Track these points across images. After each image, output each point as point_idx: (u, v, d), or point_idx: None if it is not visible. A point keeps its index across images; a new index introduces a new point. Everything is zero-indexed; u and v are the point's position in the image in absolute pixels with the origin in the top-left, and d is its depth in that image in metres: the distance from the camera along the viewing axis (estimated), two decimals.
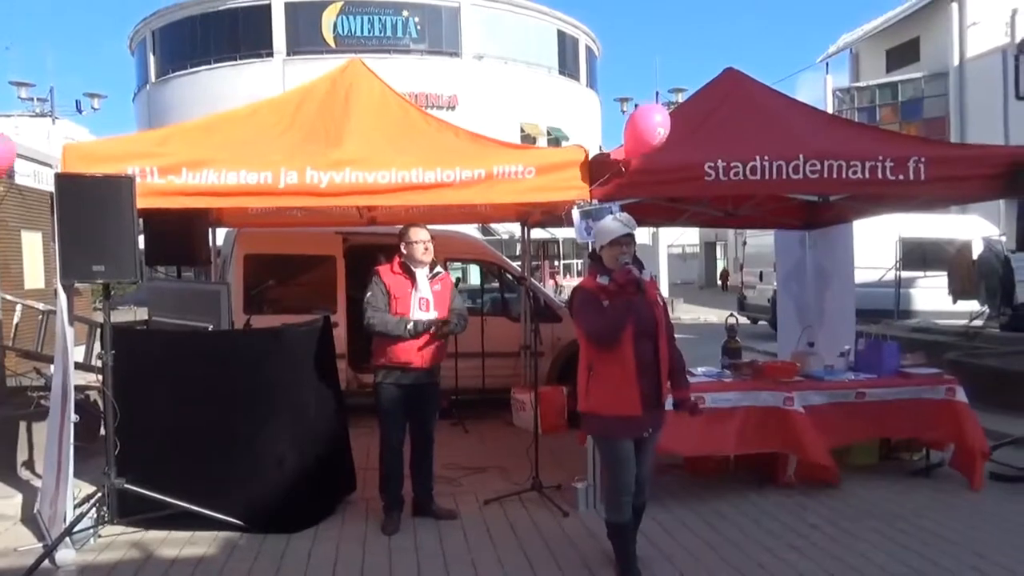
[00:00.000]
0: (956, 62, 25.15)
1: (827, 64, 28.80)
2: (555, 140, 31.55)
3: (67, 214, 4.03)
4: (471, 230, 17.51)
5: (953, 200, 6.82)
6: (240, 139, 4.77)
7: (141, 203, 4.23)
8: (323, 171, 4.50)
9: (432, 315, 4.62)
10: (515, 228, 24.29)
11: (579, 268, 34.14)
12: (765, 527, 4.57)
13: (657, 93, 23.72)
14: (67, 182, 4.05)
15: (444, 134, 5.32)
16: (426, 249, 4.62)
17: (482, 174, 4.66)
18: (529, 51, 33.34)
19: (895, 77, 27.53)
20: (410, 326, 4.49)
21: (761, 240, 14.86)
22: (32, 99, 20.99)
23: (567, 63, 35.61)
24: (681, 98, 24.45)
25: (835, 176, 4.92)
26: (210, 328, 4.66)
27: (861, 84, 28.49)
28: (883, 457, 5.85)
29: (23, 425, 5.51)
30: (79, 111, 22.19)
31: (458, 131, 5.42)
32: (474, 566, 4.08)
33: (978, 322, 11.22)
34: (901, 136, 6.78)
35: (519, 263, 9.02)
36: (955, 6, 25.03)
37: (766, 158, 4.89)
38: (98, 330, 5.86)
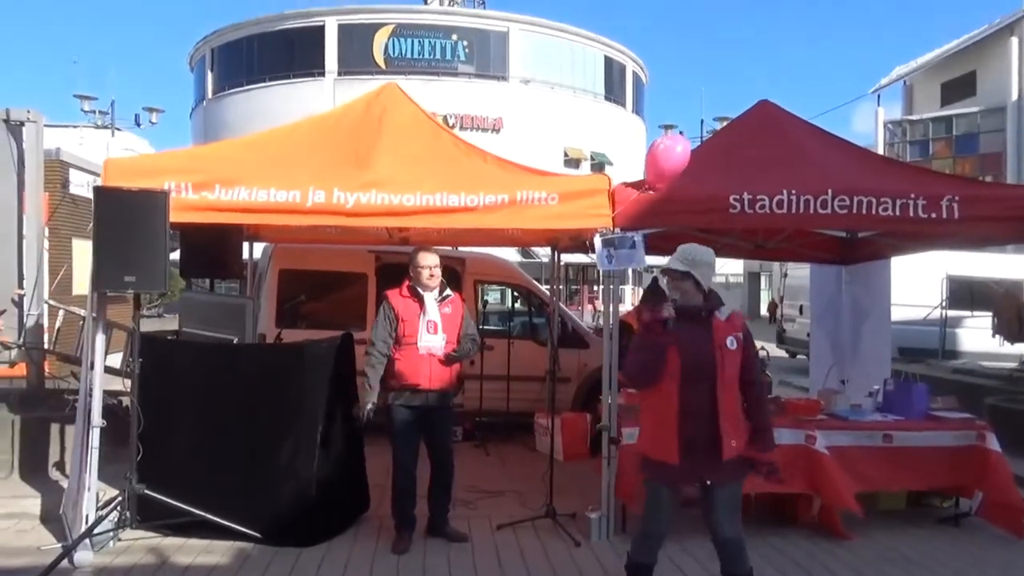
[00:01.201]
0: (1015, 96, 24.55)
1: (879, 96, 28.37)
2: (599, 165, 31.58)
3: (104, 225, 4.19)
4: (511, 252, 17.54)
5: (989, 240, 6.65)
6: (273, 157, 4.90)
7: (175, 217, 4.38)
8: (350, 192, 4.60)
9: (440, 338, 4.66)
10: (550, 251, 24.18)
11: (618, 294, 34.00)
12: (779, 568, 4.47)
13: (702, 121, 23.63)
14: (105, 194, 4.22)
15: (472, 159, 5.40)
16: (431, 275, 4.67)
17: (505, 199, 4.71)
18: (576, 77, 33.57)
19: (950, 111, 26.96)
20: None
21: (802, 272, 14.61)
22: (95, 112, 21.89)
23: (613, 89, 35.72)
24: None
25: (864, 212, 4.84)
26: (235, 341, 4.76)
27: (914, 117, 27.96)
28: (911, 503, 5.66)
29: (56, 427, 5.70)
30: (138, 124, 23.07)
31: (486, 156, 5.49)
32: None
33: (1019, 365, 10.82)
34: (935, 174, 6.63)
35: (549, 287, 9.03)
36: (1015, 40, 24.49)
37: (793, 192, 4.84)
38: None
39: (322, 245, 7.48)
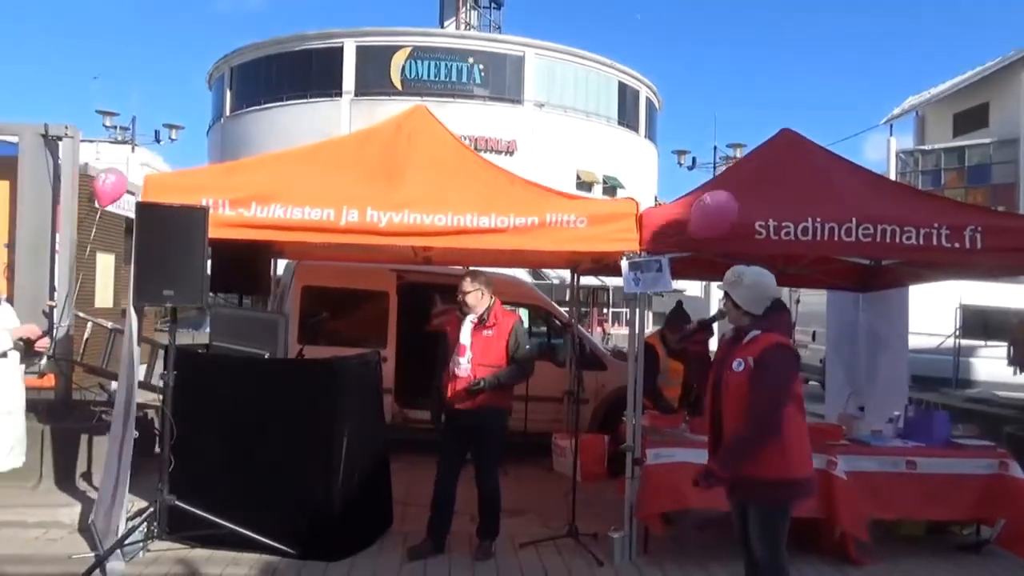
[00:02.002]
0: None
1: (891, 126, 28.52)
2: (611, 188, 31.80)
3: (144, 240, 4.30)
4: (522, 274, 17.72)
5: (1011, 271, 6.69)
6: (306, 175, 5.02)
7: (212, 233, 4.49)
8: (383, 211, 4.71)
9: (466, 359, 4.82)
10: (566, 273, 24.39)
11: (627, 316, 34.01)
12: None
13: (715, 147, 23.80)
14: (147, 210, 4.33)
15: (499, 180, 5.51)
16: (464, 301, 4.84)
17: (535, 221, 4.80)
18: (589, 101, 33.92)
19: (962, 142, 27.08)
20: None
21: (814, 299, 14.63)
22: (115, 127, 22.24)
23: (627, 114, 36.05)
24: (739, 153, 24.47)
25: (888, 241, 4.91)
26: (267, 356, 4.85)
27: (926, 147, 28.09)
28: (930, 530, 5.66)
29: (84, 437, 5.78)
30: (157, 140, 23.41)
31: (513, 178, 5.60)
32: None
33: None
34: (959, 204, 6.71)
35: (567, 309, 9.11)
36: None
37: (818, 219, 4.91)
38: (160, 351, 6.14)
39: (344, 263, 7.60)
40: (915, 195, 5.79)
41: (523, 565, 4.75)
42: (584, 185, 31.22)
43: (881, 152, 30.81)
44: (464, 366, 4.81)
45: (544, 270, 22.82)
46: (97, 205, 6.46)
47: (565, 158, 30.65)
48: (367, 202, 4.72)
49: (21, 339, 3.69)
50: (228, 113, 34.71)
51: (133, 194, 5.53)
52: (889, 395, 7.01)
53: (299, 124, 30.61)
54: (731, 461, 3.48)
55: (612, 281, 25.12)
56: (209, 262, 5.71)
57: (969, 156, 26.71)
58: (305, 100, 31.87)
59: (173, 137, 23.49)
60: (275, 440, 4.76)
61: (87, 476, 5.79)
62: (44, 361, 4.22)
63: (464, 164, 5.59)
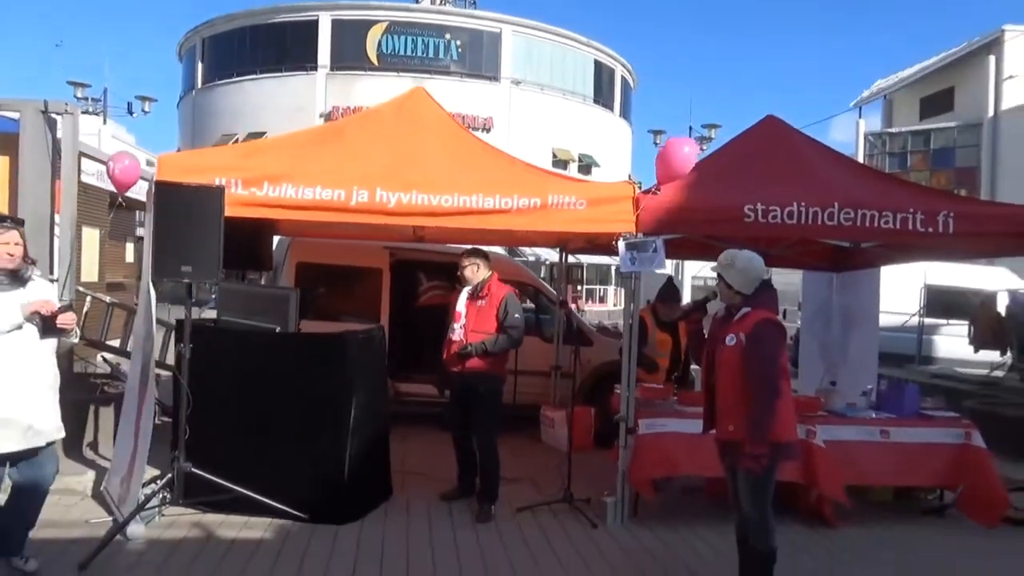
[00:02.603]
0: (990, 114, 25.34)
1: (860, 109, 29.07)
2: (586, 167, 32.04)
3: (162, 218, 4.43)
4: (498, 251, 17.98)
5: (979, 254, 7.08)
6: (315, 157, 5.16)
7: (226, 212, 4.63)
8: (392, 192, 4.88)
9: (459, 326, 5.33)
10: (541, 251, 24.51)
11: (601, 294, 34.43)
12: (783, 548, 4.80)
13: (691, 127, 24.09)
14: (165, 189, 4.46)
15: (500, 162, 5.71)
16: (462, 274, 5.40)
17: (538, 203, 5.02)
18: (566, 79, 33.99)
19: (928, 125, 27.73)
20: None
21: (785, 278, 15.06)
22: (87, 99, 21.82)
23: (602, 93, 36.20)
24: (714, 133, 24.86)
25: (867, 225, 5.21)
26: (277, 330, 5.02)
27: (894, 130, 28.72)
28: (898, 495, 6.06)
29: (91, 409, 5.92)
30: (130, 113, 23.00)
31: (513, 160, 5.80)
32: (511, 564, 4.39)
33: (998, 372, 11.36)
34: (933, 191, 7.07)
35: (554, 286, 9.36)
36: (992, 59, 25.28)
37: (803, 204, 5.20)
38: (163, 328, 6.28)
39: (338, 240, 7.75)
40: (892, 181, 6.10)
41: (522, 527, 5.03)
42: (560, 163, 31.36)
43: (849, 134, 31.41)
44: (458, 332, 5.30)
45: (520, 248, 23.07)
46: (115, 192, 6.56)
47: (541, 136, 30.76)
48: (376, 183, 4.89)
49: (36, 314, 3.57)
50: (200, 85, 34.12)
51: (104, 163, 5.70)
52: (860, 370, 7.39)
53: (273, 98, 30.32)
54: (759, 436, 3.68)
55: (587, 259, 25.49)
56: None
57: (935, 139, 27.38)
58: (279, 74, 31.46)
59: (146, 110, 23.11)
60: (285, 410, 4.95)
61: (94, 446, 5.94)
62: (76, 340, 4.05)
63: (465, 146, 5.77)
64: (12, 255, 3.65)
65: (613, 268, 34.79)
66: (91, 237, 10.04)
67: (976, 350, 12.29)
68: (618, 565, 4.49)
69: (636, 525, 5.17)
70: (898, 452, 5.36)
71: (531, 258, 25.18)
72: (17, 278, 3.67)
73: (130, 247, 14.58)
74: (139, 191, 8.49)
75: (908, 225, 5.24)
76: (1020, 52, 24.68)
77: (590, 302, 30.99)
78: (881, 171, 9.18)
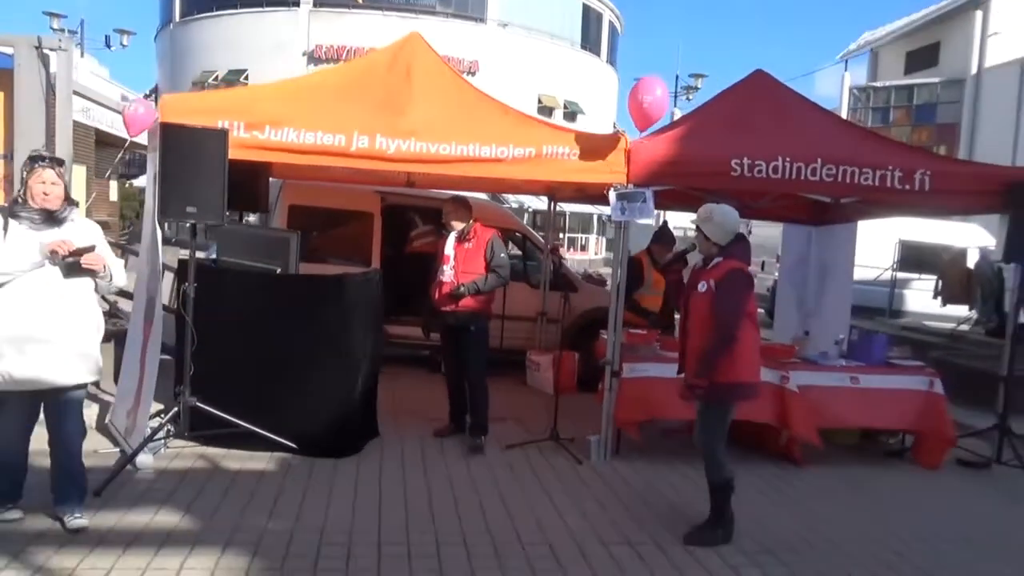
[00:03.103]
0: (974, 70, 25.49)
1: (846, 62, 29.06)
2: (571, 114, 31.83)
3: (168, 159, 4.52)
4: (482, 197, 18.01)
5: (953, 211, 7.35)
6: (316, 102, 5.24)
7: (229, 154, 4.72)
8: (391, 138, 5.00)
9: (448, 268, 5.55)
10: (524, 199, 24.51)
11: (583, 242, 34.65)
12: (754, 485, 5.17)
13: (677, 76, 24.01)
14: (170, 131, 4.53)
15: (493, 111, 5.79)
16: (447, 220, 5.67)
17: (532, 152, 5.17)
18: (553, 23, 33.43)
19: (912, 80, 27.84)
20: None
21: (765, 231, 15.35)
22: (63, 30, 21.21)
23: (590, 37, 35.71)
24: (701, 83, 24.81)
25: (848, 181, 5.43)
26: (278, 271, 5.18)
27: (878, 84, 28.80)
28: (863, 438, 6.44)
29: None
30: (108, 46, 22.41)
31: (507, 109, 5.89)
32: (501, 495, 4.68)
33: (964, 326, 11.81)
34: (913, 149, 7.29)
35: (542, 233, 9.53)
36: (979, 14, 25.29)
37: (787, 159, 5.39)
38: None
39: (330, 183, 7.83)
40: (873, 138, 6.28)
41: (511, 462, 5.32)
42: (545, 110, 31.12)
43: (834, 87, 31.43)
44: (448, 273, 5.56)
45: (503, 195, 23.09)
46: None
47: (527, 81, 30.40)
48: (376, 129, 4.99)
49: (54, 253, 3.45)
50: (177, 19, 33.12)
51: (102, 104, 5.75)
52: (833, 321, 7.70)
53: (254, 34, 29.61)
54: (703, 370, 4.10)
55: (569, 207, 25.53)
56: None
57: (918, 94, 27.54)
58: (261, 9, 30.60)
59: (124, 43, 22.53)
60: (286, 349, 5.13)
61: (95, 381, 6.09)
62: (111, 282, 3.78)
63: (461, 94, 5.84)
64: (47, 195, 3.54)
65: (595, 217, 34.96)
66: (79, 175, 10.02)
67: (943, 304, 12.72)
68: (601, 496, 4.80)
69: (618, 462, 5.48)
70: (866, 397, 5.70)
71: (515, 205, 25.23)
72: (51, 218, 3.55)
73: (114, 185, 14.49)
74: (122, 130, 8.50)
75: (887, 182, 5.46)
76: (1007, 9, 24.71)
77: (572, 250, 31.20)
78: (864, 128, 9.36)
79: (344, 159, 5.02)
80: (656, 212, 5.80)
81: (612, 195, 5.25)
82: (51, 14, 21.15)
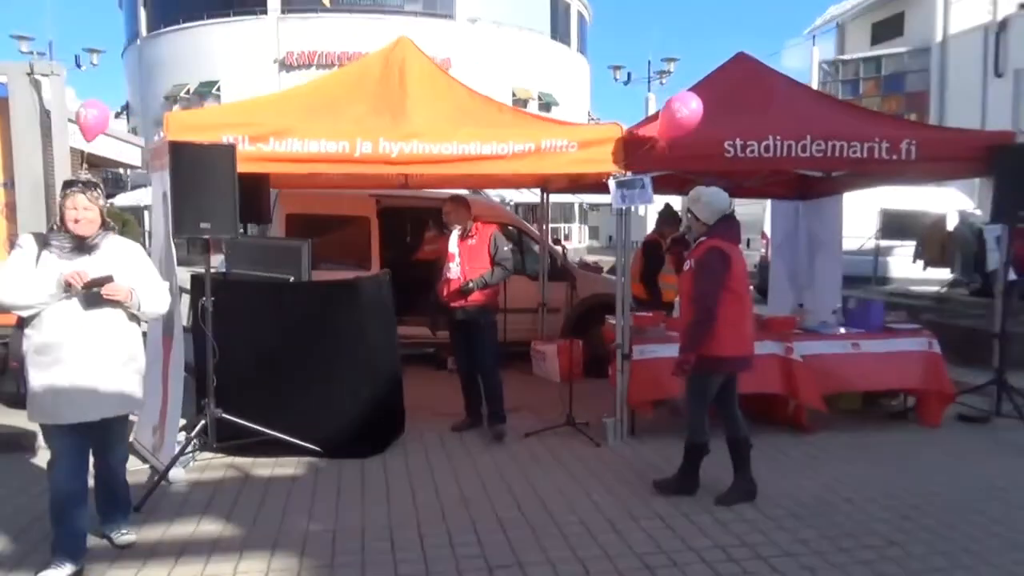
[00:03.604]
0: (939, 38, 25.84)
1: (814, 37, 29.35)
2: (546, 105, 31.94)
3: (179, 177, 4.59)
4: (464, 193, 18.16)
5: (938, 177, 7.56)
6: (315, 112, 5.33)
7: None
8: (394, 142, 5.10)
9: (455, 265, 5.68)
10: (504, 192, 24.60)
11: (566, 232, 34.81)
12: (765, 452, 5.34)
13: (649, 62, 24.19)
14: (179, 148, 4.60)
15: (489, 109, 5.94)
16: (448, 219, 5.77)
17: (532, 147, 5.30)
18: (521, 15, 33.49)
19: (879, 51, 28.18)
20: None
21: (748, 209, 15.53)
22: (32, 52, 20.99)
23: (559, 28, 35.83)
24: (673, 67, 25.01)
25: (837, 155, 5.61)
26: (291, 279, 5.27)
27: (846, 57, 29.12)
28: (866, 402, 6.65)
29: None
30: (78, 66, 22.17)
31: (502, 107, 6.05)
32: (528, 480, 4.82)
33: (945, 289, 12.12)
34: (896, 119, 7.50)
35: (535, 226, 9.66)
36: None
37: (778, 137, 5.56)
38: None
39: (325, 190, 7.91)
40: (858, 112, 6.48)
41: (532, 449, 5.46)
42: (519, 103, 31.14)
43: (802, 62, 31.78)
44: (455, 271, 5.69)
45: (485, 191, 23.20)
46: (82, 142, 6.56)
47: (500, 75, 30.45)
48: (378, 134, 5.09)
49: (69, 285, 3.32)
50: (144, 34, 32.79)
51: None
52: (825, 292, 7.92)
53: (223, 44, 29.41)
54: (688, 346, 4.38)
55: (554, 197, 25.66)
56: None
57: (885, 65, 27.85)
58: (228, 19, 30.37)
59: (94, 62, 22.31)
60: (304, 355, 5.24)
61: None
62: (143, 309, 3.60)
63: (455, 94, 5.97)
64: (79, 221, 3.42)
65: (576, 205, 35.14)
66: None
67: (925, 268, 13.03)
68: (625, 475, 4.95)
69: (635, 442, 5.64)
70: (869, 361, 5.90)
71: (496, 199, 25.33)
72: (82, 246, 3.43)
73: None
74: (103, 148, 8.49)
75: (874, 154, 5.65)
76: None
77: (565, 240, 31.31)
78: (847, 102, 9.57)
79: (349, 164, 5.13)
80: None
81: (612, 183, 5.38)
82: (19, 37, 20.89)
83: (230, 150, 4.72)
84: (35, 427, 3.59)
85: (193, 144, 4.65)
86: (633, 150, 5.43)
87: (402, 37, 6.36)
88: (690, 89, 6.44)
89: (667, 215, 7.27)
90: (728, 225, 4.48)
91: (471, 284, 5.61)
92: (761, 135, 5.55)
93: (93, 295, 3.40)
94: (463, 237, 5.74)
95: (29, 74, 6.10)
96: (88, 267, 3.40)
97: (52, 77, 6.20)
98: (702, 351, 4.32)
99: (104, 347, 3.49)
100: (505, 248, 5.79)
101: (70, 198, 3.44)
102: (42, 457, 4.78)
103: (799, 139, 5.58)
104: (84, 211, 3.44)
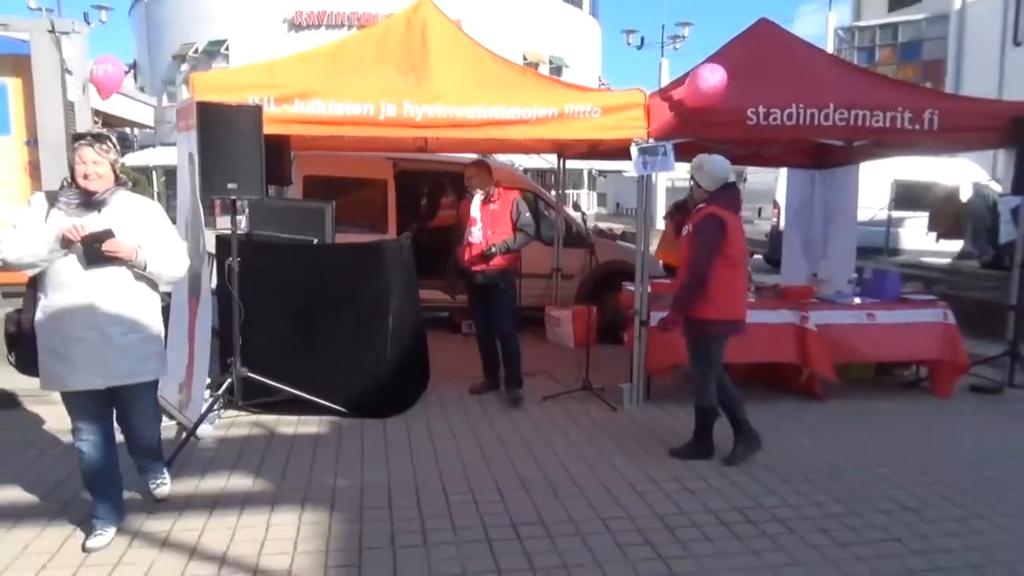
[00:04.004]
0: (957, 5, 25.42)
1: (830, 2, 28.86)
2: (556, 68, 31.59)
3: (206, 137, 4.61)
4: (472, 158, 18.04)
5: (959, 148, 7.53)
6: (340, 74, 5.33)
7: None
8: (418, 105, 5.10)
9: (477, 229, 5.70)
10: (514, 157, 24.48)
11: (575, 199, 34.68)
12: (778, 419, 5.44)
13: (663, 26, 23.86)
14: (207, 109, 4.62)
15: (512, 73, 5.92)
16: (471, 183, 5.83)
17: (555, 112, 5.29)
18: None
19: (896, 18, 27.75)
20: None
21: (760, 178, 15.51)
22: (40, 9, 20.77)
23: None
24: (687, 32, 24.69)
25: (860, 124, 5.59)
26: (315, 241, 5.32)
27: (862, 24, 28.68)
28: (878, 372, 6.72)
29: None
30: (87, 23, 21.90)
31: (524, 70, 6.04)
32: (547, 442, 4.92)
33: (958, 261, 12.14)
34: (918, 89, 7.44)
35: (553, 192, 9.66)
36: None
37: (801, 105, 5.54)
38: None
39: (343, 152, 7.91)
40: (879, 80, 6.43)
41: (550, 413, 5.56)
42: (530, 66, 30.87)
43: (817, 28, 31.26)
44: (477, 235, 5.71)
45: (495, 156, 23.05)
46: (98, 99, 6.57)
47: (512, 37, 30.03)
48: (402, 97, 5.09)
49: (69, 241, 3.16)
50: None
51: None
52: (840, 262, 7.94)
53: (233, 3, 29.05)
54: (678, 307, 4.57)
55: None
56: None
57: (902, 32, 27.45)
58: None
59: (103, 19, 22.09)
60: (330, 316, 5.32)
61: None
62: (151, 268, 3.37)
63: (476, 57, 5.93)
64: (87, 176, 3.22)
65: (585, 172, 34.96)
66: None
67: (937, 239, 13.01)
68: (641, 439, 5.05)
69: (651, 406, 5.73)
70: (883, 332, 5.95)
71: (507, 164, 25.18)
72: (90, 202, 3.25)
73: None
74: (116, 107, 8.47)
75: (897, 123, 5.63)
76: None
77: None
78: (870, 70, 9.44)
79: (373, 127, 5.12)
80: None
81: (634, 149, 5.39)
82: None
83: (257, 111, 4.74)
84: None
85: (220, 105, 4.66)
86: (656, 116, 5.42)
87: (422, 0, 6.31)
88: (711, 56, 6.42)
89: (678, 205, 7.26)
90: (728, 193, 4.63)
91: (493, 249, 5.65)
92: (784, 103, 5.53)
93: (93, 251, 3.18)
94: (485, 201, 5.76)
95: (50, 31, 6.09)
96: (94, 224, 3.21)
97: (73, 34, 6.19)
98: (695, 314, 4.50)
99: (106, 311, 3.28)
100: (527, 214, 5.82)
101: (79, 152, 3.24)
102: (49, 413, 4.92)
103: (822, 108, 5.56)
104: (93, 165, 3.23)
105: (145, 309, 3.46)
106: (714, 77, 5.03)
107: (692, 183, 4.70)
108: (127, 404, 3.56)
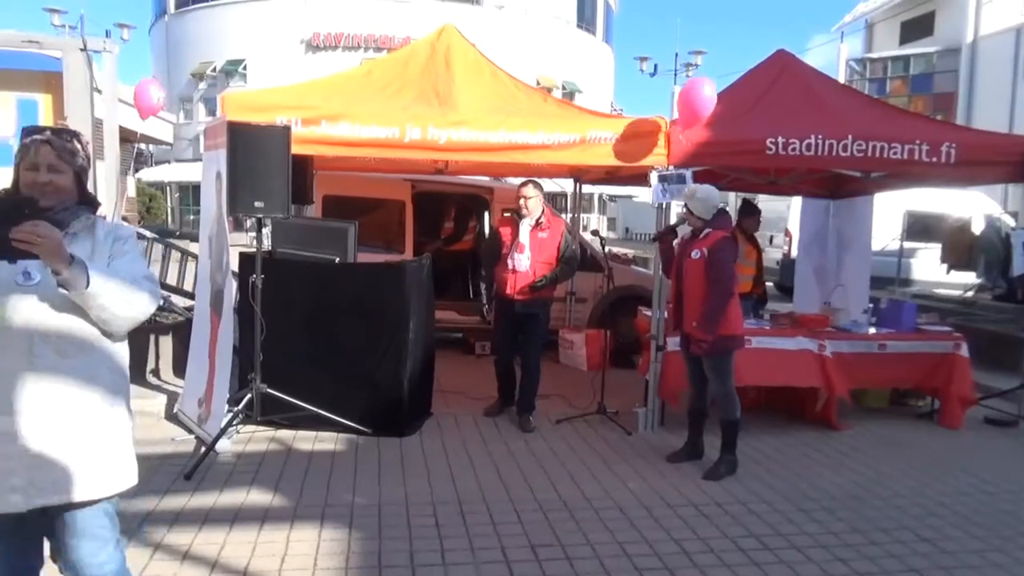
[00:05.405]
0: (969, 39, 25.64)
1: (842, 34, 29.10)
2: (569, 94, 31.88)
3: (236, 156, 4.71)
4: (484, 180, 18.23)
5: (975, 182, 7.57)
6: (366, 97, 5.44)
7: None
8: (442, 129, 5.20)
9: (526, 257, 5.61)
10: (517, 181, 24.62)
11: (584, 222, 34.81)
12: (797, 448, 5.44)
13: (676, 54, 24.07)
14: (237, 129, 4.72)
15: (534, 99, 6.01)
16: (526, 205, 5.64)
17: (577, 138, 5.37)
18: (548, 3, 33.41)
19: (908, 50, 27.97)
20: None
21: (771, 206, 15.57)
22: (64, 27, 21.15)
23: (585, 16, 35.71)
24: (700, 60, 24.86)
25: (878, 156, 5.65)
26: (337, 260, 5.39)
27: (874, 55, 28.92)
28: (892, 403, 6.72)
29: (151, 338, 6.29)
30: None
31: (545, 96, 6.12)
32: (563, 465, 4.94)
33: (970, 293, 12.12)
34: (935, 122, 7.49)
35: (569, 215, 9.74)
36: None
37: (820, 136, 5.61)
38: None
39: (362, 173, 8.02)
40: (897, 113, 6.49)
41: (564, 435, 5.58)
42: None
43: (829, 59, 31.49)
44: (524, 263, 5.64)
45: (507, 179, 23.20)
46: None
47: (526, 62, 30.39)
48: (427, 121, 5.19)
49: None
50: (172, 10, 32.99)
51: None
52: (853, 292, 7.95)
53: (252, 24, 29.52)
54: (709, 326, 4.70)
55: (570, 185, 25.72)
56: None
57: (914, 64, 27.67)
58: None
59: (125, 37, 22.42)
60: (348, 334, 5.36)
61: (156, 372, 6.34)
62: (92, 286, 2.00)
63: (498, 82, 6.04)
64: (43, 183, 2.10)
65: (596, 196, 35.09)
66: (100, 170, 10.19)
67: (948, 271, 13.02)
68: (656, 462, 5.06)
69: (665, 432, 5.74)
70: (894, 361, 6.00)
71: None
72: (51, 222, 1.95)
73: (131, 182, 14.65)
74: (138, 122, 8.62)
75: (914, 156, 5.69)
76: None
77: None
78: (887, 103, 9.53)
79: (399, 150, 5.22)
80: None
81: (654, 177, 5.46)
82: (52, 10, 21.03)
83: (285, 131, 4.83)
84: None
85: (250, 125, 4.77)
86: (675, 144, 5.49)
87: (447, 25, 6.45)
88: (730, 86, 6.51)
89: (747, 207, 7.41)
90: (727, 218, 4.99)
91: (540, 283, 5.60)
92: (803, 133, 5.60)
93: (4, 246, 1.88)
94: (536, 228, 5.66)
95: (83, 50, 6.23)
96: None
97: (105, 53, 6.33)
98: (722, 331, 4.70)
99: (26, 382, 2.03)
100: (574, 247, 5.78)
101: (34, 150, 2.12)
102: None
103: (840, 139, 5.63)
104: (48, 172, 2.11)
105: (99, 377, 2.15)
106: (703, 92, 5.21)
107: (684, 211, 4.96)
108: (67, 532, 2.17)
